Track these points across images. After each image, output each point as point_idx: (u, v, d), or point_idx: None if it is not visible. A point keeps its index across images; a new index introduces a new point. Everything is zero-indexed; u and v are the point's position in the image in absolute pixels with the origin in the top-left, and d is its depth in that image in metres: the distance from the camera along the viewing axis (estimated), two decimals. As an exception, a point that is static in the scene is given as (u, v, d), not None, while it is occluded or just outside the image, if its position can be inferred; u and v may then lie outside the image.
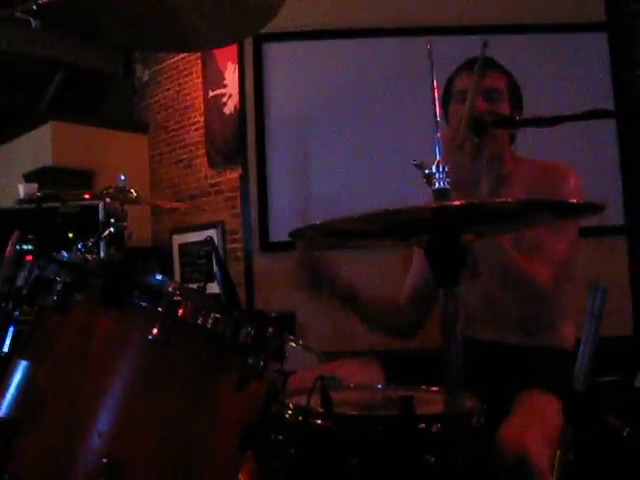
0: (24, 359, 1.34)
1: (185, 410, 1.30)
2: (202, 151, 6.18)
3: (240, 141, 4.17)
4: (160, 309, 1.26)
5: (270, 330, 1.38)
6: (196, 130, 6.27)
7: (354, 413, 1.59)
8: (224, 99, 5.83)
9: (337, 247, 3.26)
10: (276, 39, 3.77)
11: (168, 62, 6.57)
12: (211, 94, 6.00)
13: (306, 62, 3.84)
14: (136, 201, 2.45)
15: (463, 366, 1.22)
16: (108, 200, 2.29)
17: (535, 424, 1.70)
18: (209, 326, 1.29)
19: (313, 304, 3.22)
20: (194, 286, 1.49)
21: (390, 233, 1.40)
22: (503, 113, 2.04)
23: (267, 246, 3.77)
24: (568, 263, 2.03)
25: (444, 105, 2.16)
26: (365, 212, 1.08)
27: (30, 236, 1.49)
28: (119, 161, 6.30)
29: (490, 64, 2.11)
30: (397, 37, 3.73)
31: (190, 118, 6.35)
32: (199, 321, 1.28)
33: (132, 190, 2.29)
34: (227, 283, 2.24)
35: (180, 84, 6.48)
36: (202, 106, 6.17)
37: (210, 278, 2.24)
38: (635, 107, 3.59)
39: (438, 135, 1.30)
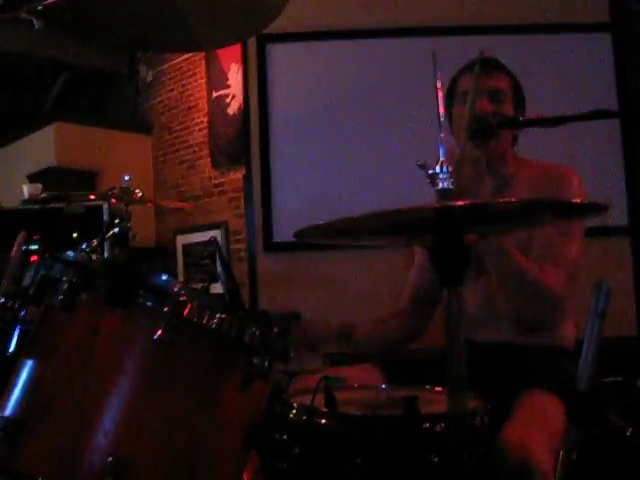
0: (30, 358, 1.35)
1: (190, 409, 1.31)
2: (206, 152, 6.19)
3: (244, 141, 4.17)
4: (165, 309, 1.27)
5: (275, 330, 1.38)
6: (200, 131, 6.29)
7: (358, 413, 1.59)
8: (228, 100, 5.84)
9: (340, 246, 3.28)
10: (280, 40, 3.77)
11: (172, 63, 6.58)
12: (215, 95, 6.01)
13: (310, 63, 3.84)
14: (141, 201, 2.45)
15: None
16: (113, 201, 2.29)
17: (537, 425, 1.69)
18: (214, 326, 1.29)
19: (317, 304, 3.23)
20: (198, 286, 1.50)
21: (394, 233, 1.40)
22: (507, 114, 2.05)
23: (271, 246, 3.77)
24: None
25: (447, 106, 2.16)
26: (369, 212, 1.09)
27: (36, 236, 1.50)
28: (123, 162, 6.32)
29: (495, 65, 2.12)
30: (400, 38, 3.73)
31: (194, 119, 6.36)
32: (204, 321, 1.29)
33: (137, 190, 2.30)
34: (231, 283, 2.24)
35: (184, 85, 6.49)
36: (206, 107, 6.18)
37: (214, 278, 2.24)
38: (639, 107, 3.59)
39: (442, 136, 1.30)
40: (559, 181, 2.04)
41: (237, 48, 4.52)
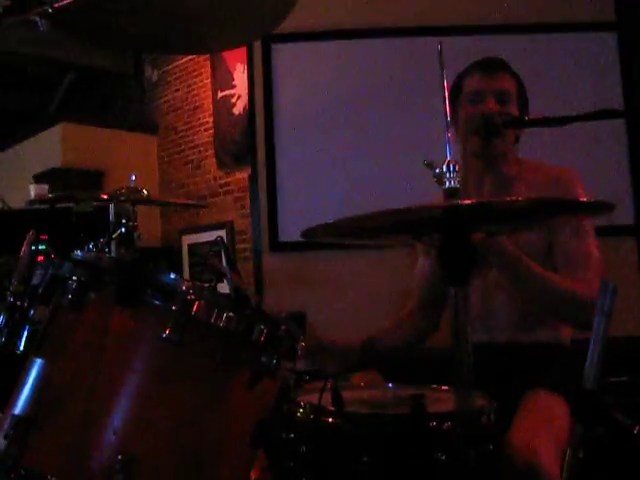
0: (39, 357, 1.36)
1: (198, 407, 1.32)
2: (211, 152, 6.20)
3: (249, 141, 4.18)
4: (174, 308, 1.28)
5: (282, 329, 1.39)
6: (205, 131, 6.29)
7: (365, 412, 1.60)
8: (233, 100, 5.84)
9: (346, 246, 3.28)
10: (285, 40, 3.78)
11: (177, 63, 6.59)
12: (220, 95, 6.02)
13: (315, 63, 3.85)
14: (149, 200, 2.46)
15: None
16: (124, 199, 2.30)
17: (544, 427, 1.70)
18: (222, 324, 1.30)
19: (323, 304, 3.24)
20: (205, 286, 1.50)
21: (401, 232, 1.41)
22: (513, 114, 2.06)
23: (276, 246, 3.78)
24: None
25: (452, 102, 2.16)
26: (377, 211, 1.10)
27: (44, 236, 1.51)
28: (128, 162, 6.33)
29: (502, 66, 2.12)
30: (406, 37, 3.74)
31: (199, 119, 6.37)
32: (212, 319, 1.29)
33: (144, 190, 2.30)
34: (237, 282, 2.25)
35: (189, 85, 6.50)
36: (211, 107, 6.19)
37: (220, 278, 2.24)
38: (644, 107, 3.59)
39: (449, 135, 1.31)
40: (560, 182, 2.05)
41: (242, 48, 4.53)
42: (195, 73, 6.42)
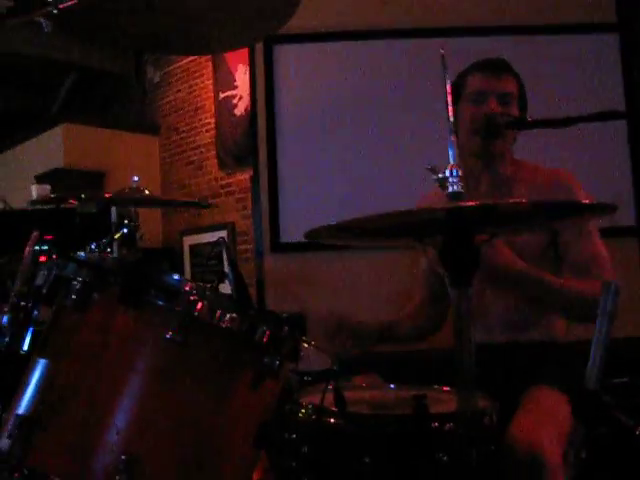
0: (43, 358, 1.36)
1: (201, 408, 1.32)
2: (213, 152, 6.21)
3: (250, 142, 4.18)
4: (177, 308, 1.28)
5: (285, 330, 1.39)
6: (207, 132, 6.30)
7: (367, 412, 1.60)
8: (235, 101, 5.85)
9: (347, 247, 3.29)
10: (287, 41, 3.77)
11: (179, 64, 6.60)
12: (222, 96, 6.03)
13: (317, 64, 3.85)
14: (155, 200, 2.45)
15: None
16: (128, 199, 2.30)
17: (546, 419, 1.71)
18: (225, 325, 1.30)
19: (324, 305, 3.23)
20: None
21: (404, 234, 1.41)
22: (514, 115, 2.06)
23: (278, 247, 3.78)
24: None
25: (452, 101, 2.17)
26: (381, 212, 1.10)
27: (48, 236, 1.51)
28: (130, 163, 6.34)
29: (505, 67, 2.13)
30: (408, 39, 3.73)
31: (201, 120, 6.38)
32: (216, 320, 1.30)
33: (146, 191, 2.30)
34: (240, 284, 2.25)
35: (191, 86, 6.51)
36: (213, 108, 6.20)
37: (221, 279, 2.25)
38: (646, 108, 3.59)
39: (452, 139, 1.31)
40: (561, 183, 2.07)
41: (244, 49, 4.53)
42: (197, 74, 6.43)
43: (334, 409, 1.52)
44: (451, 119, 1.34)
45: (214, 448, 1.34)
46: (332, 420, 1.53)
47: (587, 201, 1.21)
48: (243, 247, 5.63)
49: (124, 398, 1.28)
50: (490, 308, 2.09)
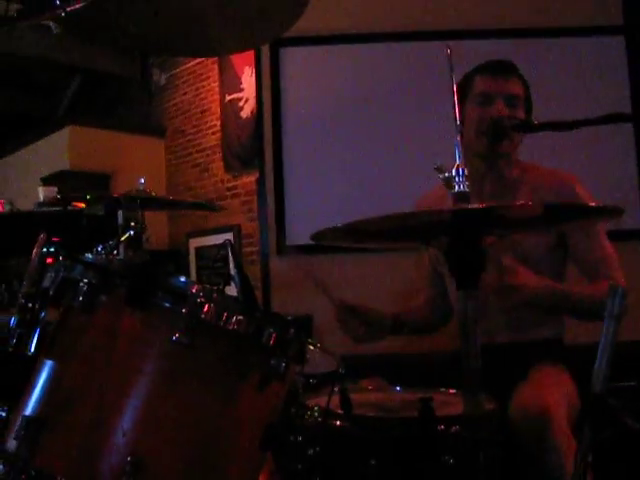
0: (50, 359, 1.37)
1: (208, 410, 1.32)
2: (219, 155, 6.21)
3: (257, 145, 4.19)
4: (184, 310, 1.28)
5: (291, 332, 1.39)
6: (213, 134, 6.31)
7: (373, 414, 1.60)
8: (241, 103, 5.86)
9: (353, 250, 3.29)
10: (293, 43, 3.79)
11: (185, 66, 6.61)
12: (228, 98, 6.03)
13: (323, 66, 3.86)
14: (164, 202, 2.46)
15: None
16: (136, 201, 2.31)
17: (553, 387, 1.81)
18: (232, 327, 1.30)
19: (330, 307, 3.23)
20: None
21: (410, 236, 1.41)
22: (520, 118, 2.07)
23: (284, 249, 3.79)
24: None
25: (458, 101, 2.17)
26: (388, 214, 1.10)
27: (55, 238, 1.52)
28: (136, 165, 6.35)
29: (513, 70, 2.14)
30: (413, 41, 3.74)
31: (207, 122, 6.38)
32: (222, 322, 1.30)
33: (153, 193, 2.31)
34: (246, 286, 2.25)
35: (197, 88, 6.51)
36: (219, 110, 6.20)
37: (227, 281, 2.25)
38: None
39: (458, 139, 1.31)
40: (563, 186, 2.08)
41: (250, 52, 4.54)
42: (203, 76, 6.43)
43: (340, 412, 1.53)
44: (458, 119, 1.35)
45: (220, 450, 1.34)
46: (338, 423, 1.54)
47: (592, 204, 1.22)
48: (249, 249, 5.63)
49: (131, 399, 1.29)
50: (495, 310, 2.09)
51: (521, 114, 2.09)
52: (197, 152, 6.51)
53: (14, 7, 1.49)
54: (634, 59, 3.63)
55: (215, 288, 1.36)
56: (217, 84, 6.22)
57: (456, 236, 1.20)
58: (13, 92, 7.17)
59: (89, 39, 1.99)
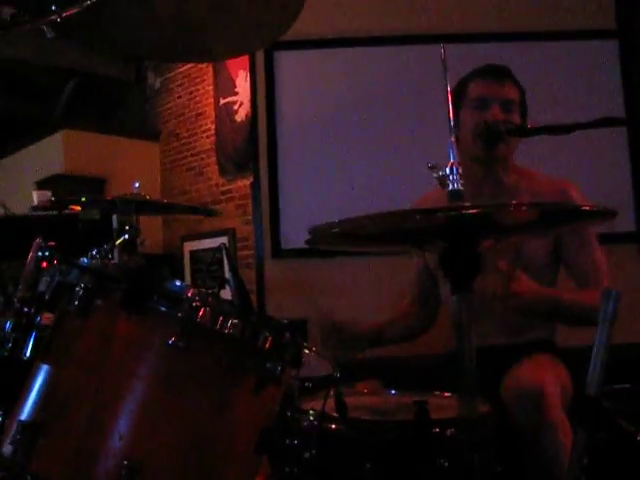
0: (46, 363, 1.37)
1: (204, 413, 1.32)
2: (213, 158, 6.22)
3: (251, 148, 4.19)
4: (180, 314, 1.29)
5: (287, 336, 1.40)
6: (207, 137, 6.31)
7: (369, 418, 1.60)
8: (235, 107, 5.86)
9: (347, 254, 3.29)
10: (287, 47, 3.79)
11: (180, 70, 6.62)
12: (222, 102, 6.04)
13: (318, 70, 3.86)
14: (160, 206, 2.45)
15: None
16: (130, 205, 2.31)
17: (547, 369, 1.86)
18: (228, 331, 1.30)
19: (325, 311, 3.22)
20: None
21: (405, 239, 1.41)
22: (516, 122, 2.08)
23: (279, 253, 3.79)
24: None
25: (454, 106, 2.18)
26: (382, 212, 1.11)
27: (50, 243, 1.52)
28: (131, 168, 6.35)
29: (506, 74, 2.15)
30: (408, 45, 3.75)
31: (201, 126, 6.39)
32: (218, 326, 1.30)
33: (147, 197, 2.31)
34: (241, 290, 2.26)
35: (191, 92, 6.52)
36: (213, 114, 6.21)
37: (222, 285, 2.26)
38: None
39: (452, 140, 1.32)
40: (561, 194, 2.09)
41: (245, 55, 4.55)
42: (197, 80, 6.44)
43: (336, 415, 1.53)
44: (451, 119, 1.35)
45: (216, 454, 1.34)
46: (334, 426, 1.54)
47: (587, 207, 1.22)
48: (244, 253, 5.63)
49: (126, 403, 1.29)
50: (491, 313, 2.09)
51: (516, 118, 2.11)
52: (192, 156, 6.51)
53: (8, 11, 1.49)
54: (627, 63, 3.64)
55: (210, 292, 1.36)
56: (212, 87, 6.22)
57: (451, 239, 1.21)
58: (7, 95, 7.15)
59: (83, 43, 1.98)
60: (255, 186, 3.96)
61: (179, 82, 6.67)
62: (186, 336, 1.28)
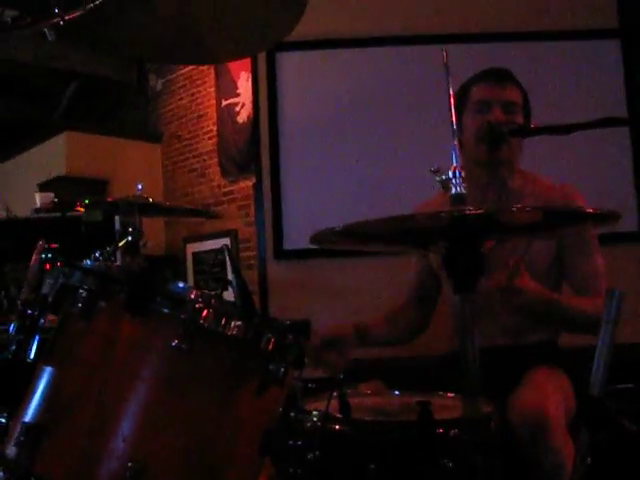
0: (49, 365, 1.37)
1: (207, 415, 1.32)
2: (215, 160, 6.22)
3: (253, 150, 4.19)
4: (183, 316, 1.29)
5: (290, 337, 1.40)
6: (209, 139, 6.32)
7: (372, 419, 1.60)
8: (237, 108, 5.87)
9: (350, 254, 3.29)
10: (289, 48, 3.78)
11: (181, 72, 6.62)
12: (224, 103, 6.04)
13: (320, 71, 3.86)
14: (163, 209, 2.46)
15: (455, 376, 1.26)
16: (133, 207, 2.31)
17: (550, 390, 1.82)
18: (231, 333, 1.31)
19: (327, 312, 3.24)
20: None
21: (408, 239, 1.42)
22: (517, 123, 2.08)
23: (281, 254, 3.78)
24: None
25: (457, 110, 2.19)
26: (385, 216, 1.10)
27: (54, 245, 1.52)
28: (133, 170, 6.36)
29: (508, 77, 2.16)
30: (410, 45, 3.74)
31: (203, 127, 6.39)
32: (221, 328, 1.30)
33: (150, 199, 2.31)
34: (243, 291, 2.26)
35: (193, 93, 6.52)
36: (215, 115, 6.21)
37: (225, 286, 2.25)
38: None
39: (455, 142, 1.32)
40: (565, 199, 2.10)
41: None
42: (199, 82, 6.45)
43: (339, 416, 1.53)
44: (454, 121, 1.35)
45: (219, 455, 1.34)
46: (337, 427, 1.54)
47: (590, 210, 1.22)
48: (246, 254, 5.63)
49: (130, 405, 1.29)
50: (494, 314, 2.09)
51: (519, 120, 2.11)
52: (194, 157, 6.51)
53: (10, 13, 1.49)
54: (630, 62, 3.63)
55: (213, 293, 1.36)
56: (213, 89, 6.23)
57: (454, 241, 1.21)
58: (9, 98, 7.16)
59: (85, 45, 1.98)
60: (257, 187, 3.95)
61: (181, 84, 6.68)
62: (189, 338, 1.28)
